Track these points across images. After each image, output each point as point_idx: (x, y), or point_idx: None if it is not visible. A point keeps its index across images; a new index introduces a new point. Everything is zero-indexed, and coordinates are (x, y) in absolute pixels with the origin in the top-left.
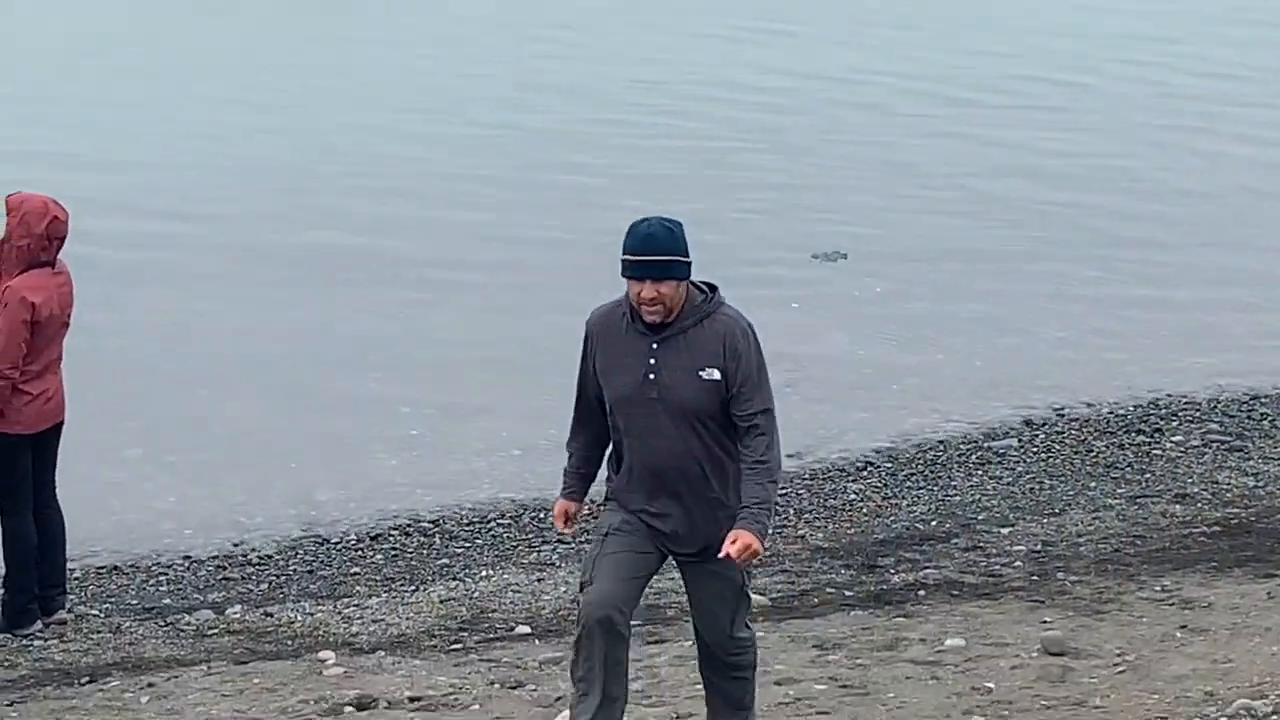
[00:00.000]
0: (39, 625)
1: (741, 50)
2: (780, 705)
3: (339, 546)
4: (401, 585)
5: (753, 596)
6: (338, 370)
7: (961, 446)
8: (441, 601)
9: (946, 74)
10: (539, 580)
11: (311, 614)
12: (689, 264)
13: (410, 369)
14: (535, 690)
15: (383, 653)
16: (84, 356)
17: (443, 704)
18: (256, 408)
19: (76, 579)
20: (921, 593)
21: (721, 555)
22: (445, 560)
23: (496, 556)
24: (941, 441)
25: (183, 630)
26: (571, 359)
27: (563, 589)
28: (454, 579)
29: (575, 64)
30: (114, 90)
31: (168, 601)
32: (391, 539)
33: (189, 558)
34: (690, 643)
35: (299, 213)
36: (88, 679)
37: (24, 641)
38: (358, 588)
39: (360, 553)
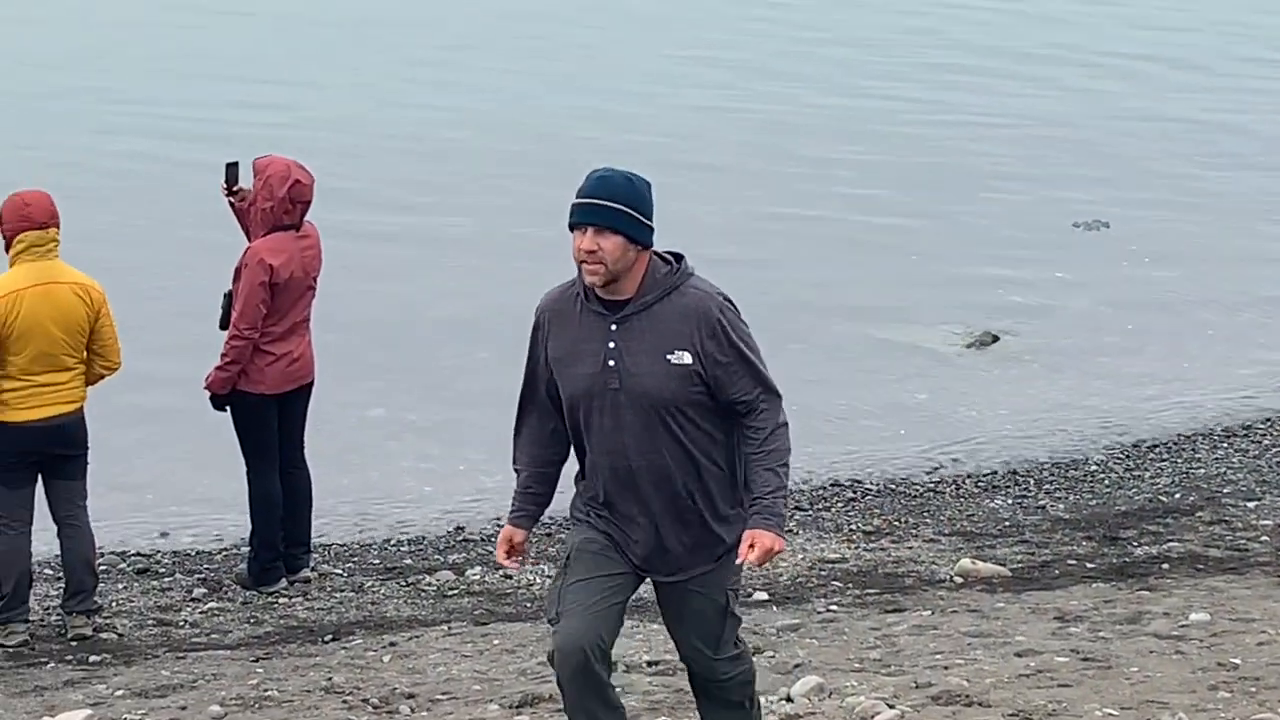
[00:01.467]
0: (284, 583)
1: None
2: (1021, 677)
3: None
4: None
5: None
6: None
7: (1206, 417)
8: None
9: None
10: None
11: (549, 577)
12: (647, 227)
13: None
14: (774, 657)
15: None
16: (329, 318)
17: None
18: (497, 369)
19: (320, 538)
20: (1165, 566)
21: (739, 562)
22: None
23: None
24: (1187, 412)
25: (424, 591)
26: None
27: (799, 555)
28: None
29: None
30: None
31: (409, 562)
32: None
33: (429, 518)
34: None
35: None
36: (331, 636)
37: (269, 599)
38: None
39: None
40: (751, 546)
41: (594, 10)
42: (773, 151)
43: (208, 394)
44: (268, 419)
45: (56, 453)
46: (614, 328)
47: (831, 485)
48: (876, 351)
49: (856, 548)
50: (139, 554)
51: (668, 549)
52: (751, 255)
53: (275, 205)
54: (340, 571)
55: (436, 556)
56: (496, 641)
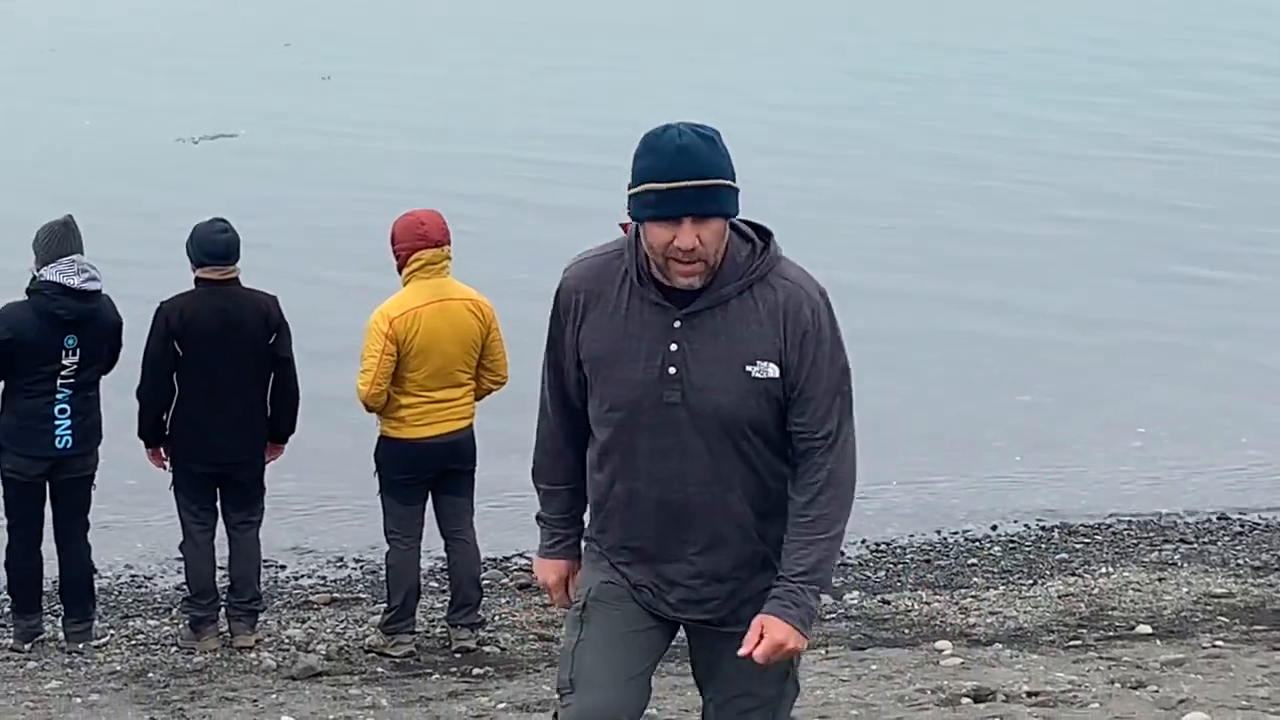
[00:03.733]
0: None
1: None
2: None
3: (956, 536)
4: (1019, 578)
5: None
6: (948, 357)
7: None
8: (1060, 596)
9: None
10: (1160, 579)
11: (928, 603)
12: (738, 192)
13: (1020, 360)
14: (1157, 691)
15: (1000, 645)
16: None
17: (1061, 700)
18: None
19: None
20: None
21: (742, 653)
22: (1064, 555)
23: (1116, 553)
24: None
25: None
26: None
27: (1184, 589)
28: (1072, 574)
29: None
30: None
31: None
32: (1010, 531)
33: None
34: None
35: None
36: None
37: None
38: (975, 579)
39: (978, 544)
40: (759, 638)
41: None
42: None
43: None
44: None
45: (449, 468)
46: (677, 324)
47: (1218, 518)
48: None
49: (1244, 582)
50: (521, 569)
51: (719, 597)
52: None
53: None
54: None
55: None
56: (874, 667)
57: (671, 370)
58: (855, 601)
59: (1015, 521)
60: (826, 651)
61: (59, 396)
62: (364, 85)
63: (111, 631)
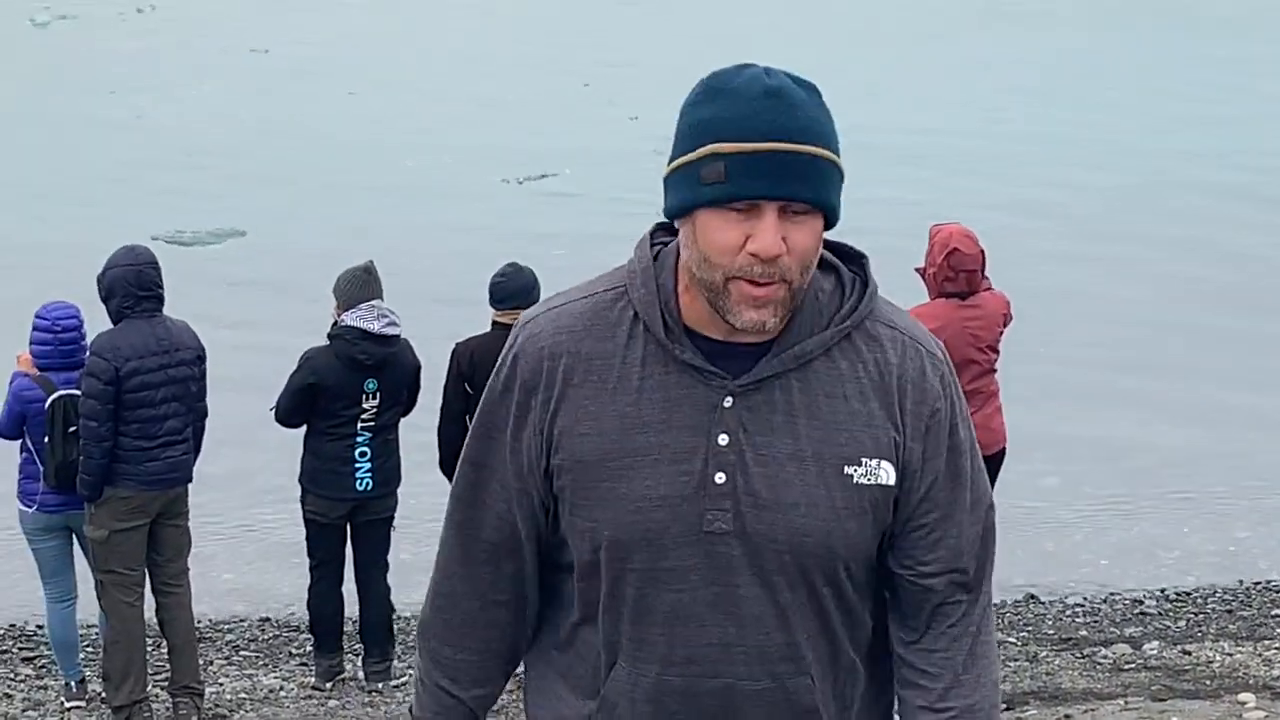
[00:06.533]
0: None
1: None
2: None
3: (1259, 586)
4: None
5: None
6: (1252, 404)
7: None
8: None
9: None
10: None
11: (1230, 654)
12: (842, 175)
13: None
14: None
15: None
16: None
17: None
18: (1173, 441)
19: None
20: None
21: None
22: None
23: None
24: None
25: (1099, 663)
26: None
27: None
28: None
29: None
30: None
31: (1084, 633)
32: None
33: (1106, 589)
34: None
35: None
36: (1005, 706)
37: None
38: (1279, 630)
39: None
40: None
41: None
42: None
43: None
44: None
45: None
46: (729, 402)
47: None
48: None
49: None
50: None
51: None
52: None
53: (936, 272)
54: (1014, 640)
55: (1113, 629)
56: (1175, 718)
57: (719, 479)
58: (1155, 651)
59: None
60: (1126, 703)
61: (359, 440)
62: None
63: (411, 671)
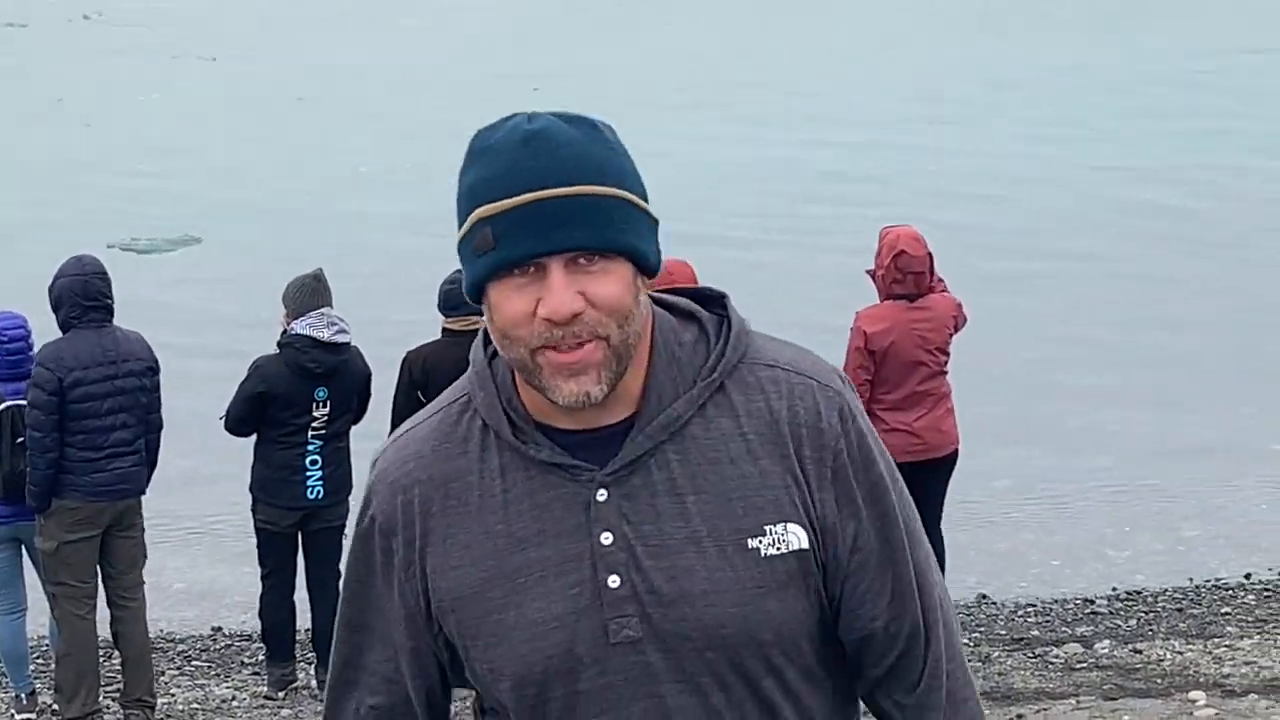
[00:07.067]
0: None
1: None
2: None
3: (1209, 585)
4: (1274, 627)
5: None
6: (1201, 405)
7: None
8: None
9: None
10: None
11: (1181, 652)
12: (653, 222)
13: (1276, 408)
14: None
15: (1255, 696)
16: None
17: None
18: (1123, 441)
19: None
20: None
21: None
22: None
23: None
24: None
25: (1051, 663)
26: None
27: None
28: None
29: None
30: None
31: (1036, 633)
32: (1264, 579)
33: (1057, 589)
34: None
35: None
36: None
37: None
38: (1229, 628)
39: (1231, 592)
40: None
41: None
42: None
43: None
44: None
45: None
46: (602, 495)
47: None
48: None
49: None
50: None
51: None
52: None
53: (884, 274)
54: (966, 642)
55: (1064, 628)
56: (1126, 717)
57: (613, 582)
58: (1106, 650)
59: (1270, 569)
60: (1078, 702)
61: (310, 448)
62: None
63: None
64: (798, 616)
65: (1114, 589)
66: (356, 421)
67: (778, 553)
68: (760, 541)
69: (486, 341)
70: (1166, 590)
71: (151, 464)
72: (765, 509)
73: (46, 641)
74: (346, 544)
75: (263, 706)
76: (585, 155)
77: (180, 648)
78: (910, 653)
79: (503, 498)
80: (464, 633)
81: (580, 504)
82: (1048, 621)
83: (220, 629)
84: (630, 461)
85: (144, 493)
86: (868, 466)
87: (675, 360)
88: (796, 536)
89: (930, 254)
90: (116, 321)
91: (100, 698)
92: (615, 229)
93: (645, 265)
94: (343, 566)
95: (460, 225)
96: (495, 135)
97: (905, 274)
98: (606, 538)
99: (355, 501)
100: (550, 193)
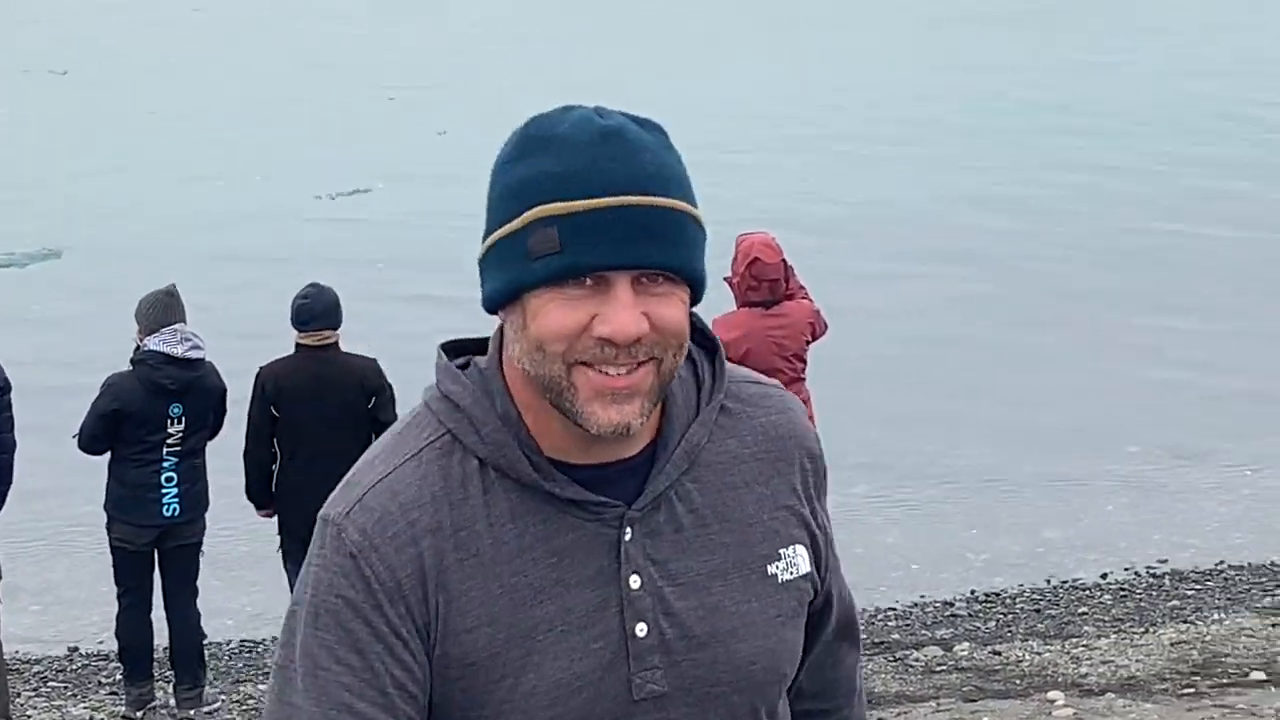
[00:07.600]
0: None
1: None
2: None
3: (1066, 586)
4: (1131, 626)
5: None
6: (1058, 408)
7: None
8: (1172, 644)
9: None
10: (1273, 625)
11: (1039, 653)
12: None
13: (1129, 410)
14: None
15: (1113, 695)
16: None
17: None
18: (982, 445)
19: None
20: None
21: None
22: (1175, 602)
23: (1228, 600)
24: None
25: (911, 666)
26: None
27: None
28: (1184, 621)
29: None
30: None
31: (896, 637)
32: (1120, 579)
33: (916, 593)
34: None
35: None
36: None
37: None
38: (1086, 628)
39: (1088, 592)
40: None
41: None
42: None
43: None
44: None
45: None
46: (629, 533)
47: None
48: None
49: None
50: None
51: None
52: None
53: (740, 281)
54: None
55: (924, 631)
56: (986, 718)
57: (640, 630)
58: (966, 653)
59: (1126, 569)
60: (938, 704)
61: (165, 465)
62: (476, 138)
63: (223, 697)
64: (800, 643)
65: (972, 591)
66: (212, 437)
67: (790, 578)
68: (777, 567)
69: (463, 372)
70: (1025, 591)
71: (6, 483)
72: (779, 532)
73: None
74: (203, 562)
75: None
76: (664, 164)
77: (36, 668)
78: (845, 659)
79: (516, 545)
80: (470, 703)
81: (604, 545)
82: (907, 625)
83: (77, 649)
84: (656, 495)
85: None
86: (824, 497)
87: (681, 382)
88: (803, 559)
89: (786, 261)
90: None
91: None
92: (688, 250)
93: (699, 293)
94: (199, 584)
95: (501, 219)
96: (560, 126)
97: (760, 281)
98: (635, 581)
99: (209, 514)
100: (633, 200)
